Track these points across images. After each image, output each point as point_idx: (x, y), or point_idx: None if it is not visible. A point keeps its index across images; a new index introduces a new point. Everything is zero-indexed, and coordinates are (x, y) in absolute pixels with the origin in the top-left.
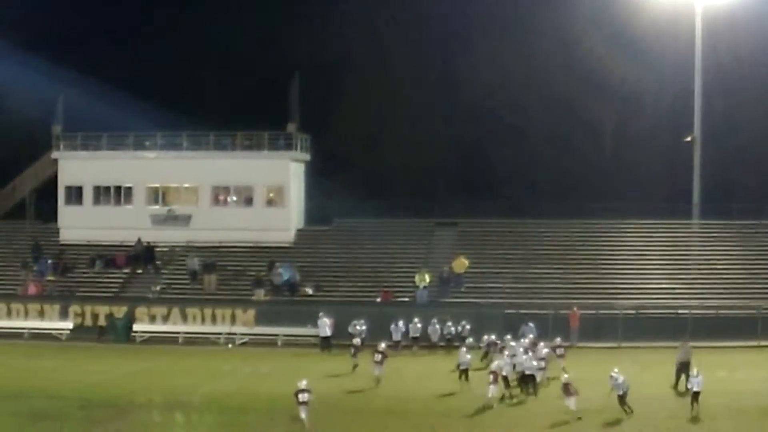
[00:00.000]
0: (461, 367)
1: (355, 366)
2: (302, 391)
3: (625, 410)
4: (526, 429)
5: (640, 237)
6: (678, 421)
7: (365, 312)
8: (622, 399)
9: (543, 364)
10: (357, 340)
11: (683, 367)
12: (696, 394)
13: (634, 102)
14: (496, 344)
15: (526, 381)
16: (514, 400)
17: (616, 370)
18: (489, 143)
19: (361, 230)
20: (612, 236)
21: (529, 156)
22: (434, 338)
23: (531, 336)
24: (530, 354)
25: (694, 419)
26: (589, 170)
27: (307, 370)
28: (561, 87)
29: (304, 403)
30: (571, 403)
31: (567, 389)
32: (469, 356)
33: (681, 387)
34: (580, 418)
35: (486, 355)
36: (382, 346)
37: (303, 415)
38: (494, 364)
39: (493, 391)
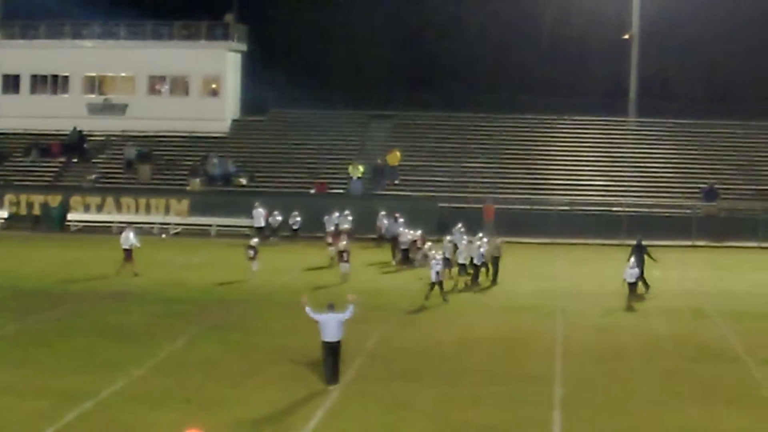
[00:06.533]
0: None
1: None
2: (251, 247)
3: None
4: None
5: (575, 133)
6: (611, 318)
7: (299, 203)
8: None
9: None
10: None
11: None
12: (631, 285)
13: None
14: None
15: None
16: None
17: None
18: (426, 36)
19: (296, 121)
20: (547, 131)
21: (465, 50)
22: (383, 231)
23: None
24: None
25: (629, 308)
26: (526, 65)
27: (239, 261)
28: None
29: (252, 258)
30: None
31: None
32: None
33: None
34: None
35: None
36: (254, 241)
37: (254, 268)
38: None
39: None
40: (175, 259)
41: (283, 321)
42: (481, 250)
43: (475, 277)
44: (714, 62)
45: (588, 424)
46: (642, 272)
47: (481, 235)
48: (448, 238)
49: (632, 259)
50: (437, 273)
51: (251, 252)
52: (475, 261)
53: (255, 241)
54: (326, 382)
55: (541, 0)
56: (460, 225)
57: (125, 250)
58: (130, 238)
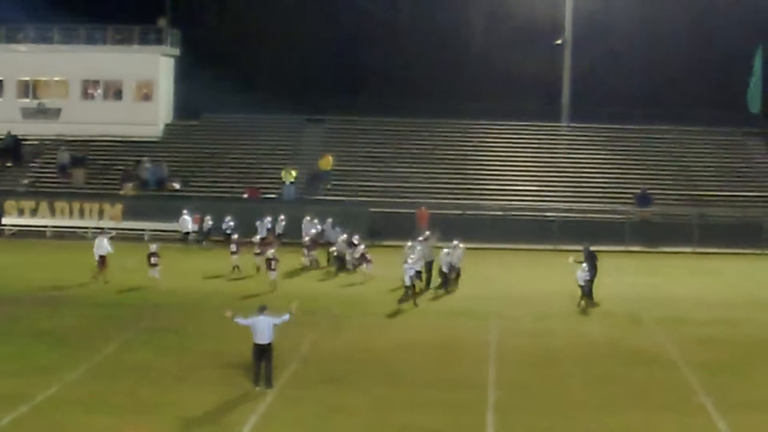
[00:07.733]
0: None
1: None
2: (153, 254)
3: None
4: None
5: (508, 138)
6: (546, 323)
7: (232, 208)
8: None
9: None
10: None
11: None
12: (582, 287)
13: (505, 2)
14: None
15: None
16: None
17: None
18: (360, 40)
19: (229, 125)
20: (480, 137)
21: (398, 54)
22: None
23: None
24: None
25: (583, 311)
26: (458, 70)
27: (171, 265)
28: None
29: (154, 265)
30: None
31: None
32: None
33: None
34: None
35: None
36: (154, 247)
37: (155, 275)
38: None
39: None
40: (109, 263)
41: (216, 325)
42: (449, 258)
43: (444, 283)
44: (647, 67)
45: (523, 428)
46: (592, 280)
47: (456, 242)
48: (409, 244)
49: (585, 264)
50: (411, 277)
51: (153, 259)
52: (443, 269)
53: (154, 246)
54: (254, 383)
55: (474, 4)
56: (427, 233)
57: (100, 256)
58: (104, 244)
